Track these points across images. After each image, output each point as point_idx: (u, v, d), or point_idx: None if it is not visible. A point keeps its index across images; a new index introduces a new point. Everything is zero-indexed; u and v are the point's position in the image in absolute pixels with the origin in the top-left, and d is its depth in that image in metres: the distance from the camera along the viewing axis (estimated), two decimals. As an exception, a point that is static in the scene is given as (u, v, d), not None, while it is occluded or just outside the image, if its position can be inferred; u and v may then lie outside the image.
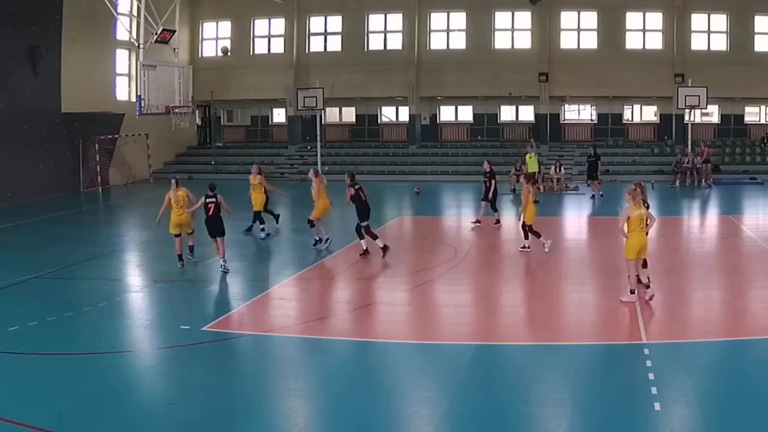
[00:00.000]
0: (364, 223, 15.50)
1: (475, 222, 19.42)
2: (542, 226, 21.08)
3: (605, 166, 28.53)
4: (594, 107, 35.74)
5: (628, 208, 11.50)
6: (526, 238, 15.96)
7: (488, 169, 19.64)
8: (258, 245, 17.36)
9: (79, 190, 29.20)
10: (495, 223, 19.41)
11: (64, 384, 8.59)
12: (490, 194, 19.41)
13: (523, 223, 16.03)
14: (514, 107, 36.18)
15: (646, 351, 9.31)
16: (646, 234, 11.56)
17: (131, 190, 30.92)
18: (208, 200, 14.45)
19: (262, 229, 17.89)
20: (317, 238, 15.96)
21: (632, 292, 11.53)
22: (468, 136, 36.58)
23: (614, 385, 8.32)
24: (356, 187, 15.55)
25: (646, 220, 11.46)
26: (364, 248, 15.48)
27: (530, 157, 25.39)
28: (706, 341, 9.89)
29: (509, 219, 22.91)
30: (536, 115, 35.11)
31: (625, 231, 11.53)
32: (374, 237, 15.51)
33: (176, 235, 15.06)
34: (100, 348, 9.90)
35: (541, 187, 26.25)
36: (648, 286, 11.61)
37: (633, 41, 33.57)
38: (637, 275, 11.60)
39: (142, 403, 8.21)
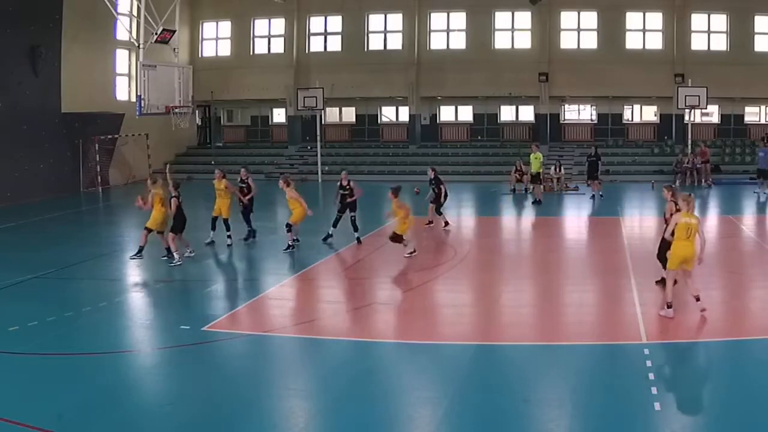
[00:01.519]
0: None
1: (427, 224, 19.49)
2: (543, 225, 21.11)
3: (605, 166, 28.51)
4: (594, 107, 35.75)
5: (678, 214, 10.86)
6: (401, 243, 15.56)
7: (433, 176, 19.84)
8: (257, 246, 17.33)
9: (79, 190, 29.21)
10: (444, 226, 19.36)
11: (64, 384, 8.58)
12: (442, 198, 19.57)
13: (395, 233, 15.53)
14: (514, 107, 36.18)
15: (646, 351, 9.29)
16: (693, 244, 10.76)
17: (131, 190, 30.82)
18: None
19: (210, 237, 16.95)
20: (290, 243, 15.98)
21: (669, 306, 10.67)
22: (468, 136, 36.58)
23: (614, 385, 8.31)
24: None
25: (694, 231, 10.71)
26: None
27: (535, 158, 25.39)
28: (706, 341, 9.90)
29: (510, 219, 22.96)
30: (536, 115, 35.11)
31: (669, 235, 10.92)
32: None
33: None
34: (100, 348, 9.88)
35: (543, 186, 26.24)
36: (698, 299, 10.73)
37: (633, 41, 33.58)
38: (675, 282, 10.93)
39: (142, 403, 8.20)
